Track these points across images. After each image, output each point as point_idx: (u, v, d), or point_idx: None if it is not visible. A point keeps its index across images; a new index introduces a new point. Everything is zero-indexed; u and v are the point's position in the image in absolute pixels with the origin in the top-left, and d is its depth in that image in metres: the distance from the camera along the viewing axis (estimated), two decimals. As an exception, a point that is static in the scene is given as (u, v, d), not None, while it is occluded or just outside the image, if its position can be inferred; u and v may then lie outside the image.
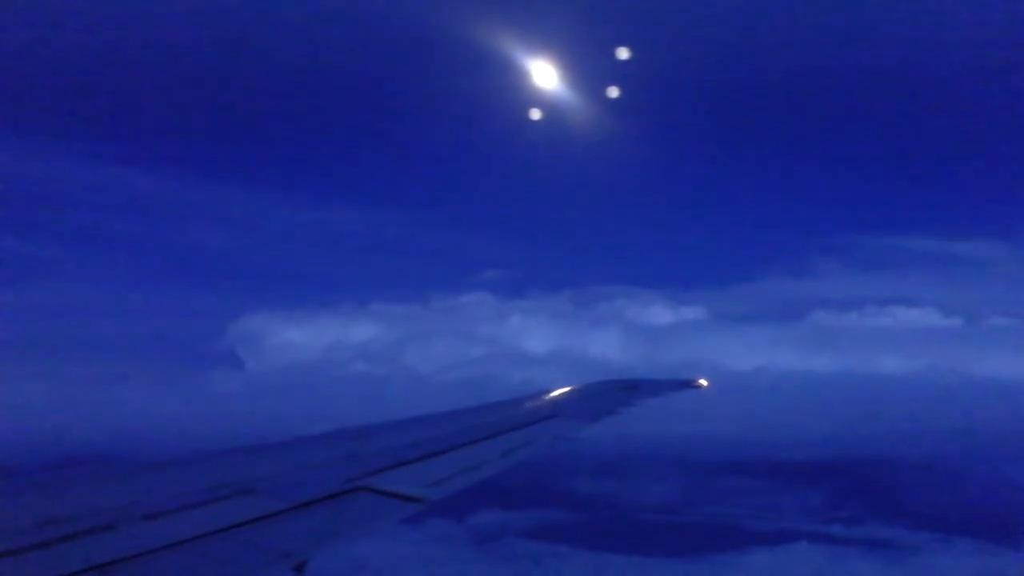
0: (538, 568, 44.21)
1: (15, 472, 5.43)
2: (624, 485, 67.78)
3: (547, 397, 10.22)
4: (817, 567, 45.43)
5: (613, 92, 24.33)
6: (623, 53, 23.33)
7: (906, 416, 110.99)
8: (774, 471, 73.05)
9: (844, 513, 57.73)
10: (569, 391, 10.67)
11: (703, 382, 11.91)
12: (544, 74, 23.94)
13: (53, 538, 4.09)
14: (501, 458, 6.81)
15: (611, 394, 10.58)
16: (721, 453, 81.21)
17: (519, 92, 24.60)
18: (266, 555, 4.39)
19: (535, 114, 24.08)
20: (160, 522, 4.53)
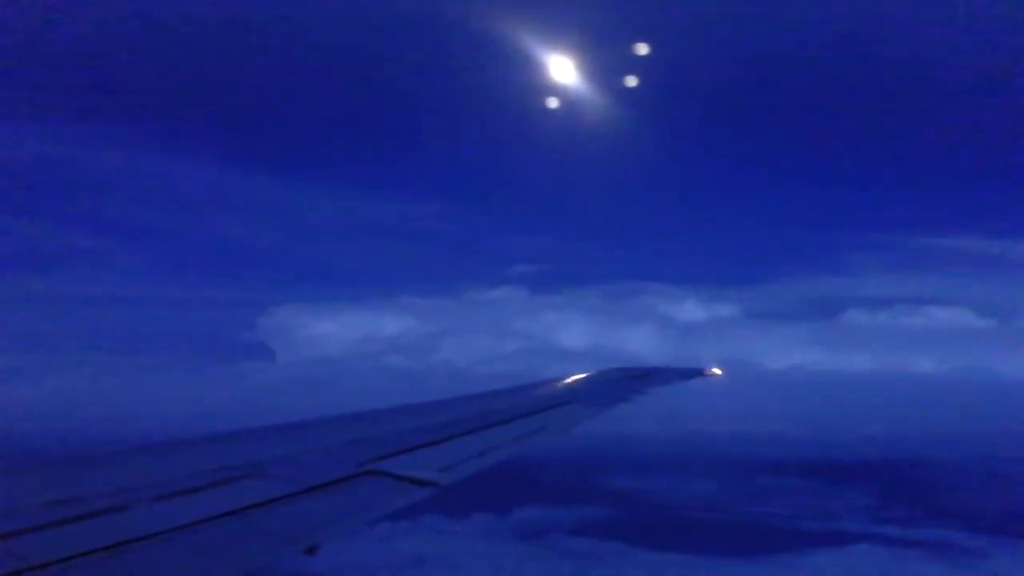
0: (601, 565, 44.10)
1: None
2: (668, 483, 67.55)
3: (559, 384, 10.22)
4: (884, 569, 44.88)
5: (631, 82, 24.35)
6: (642, 48, 23.39)
7: (941, 417, 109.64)
8: (816, 470, 72.46)
9: (895, 514, 57.01)
10: (581, 378, 10.65)
11: (715, 371, 11.90)
12: (573, 70, 24.02)
13: (64, 518, 4.13)
14: (514, 444, 6.84)
15: (623, 382, 10.55)
16: (761, 452, 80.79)
17: (549, 89, 24.66)
18: (276, 538, 4.41)
19: (553, 103, 24.16)
20: (171, 503, 4.57)
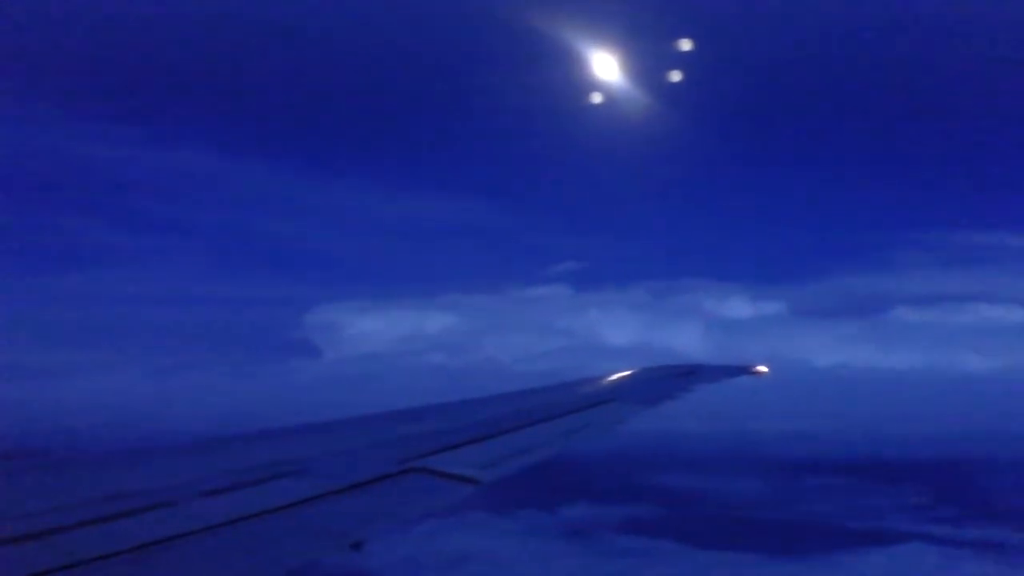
0: (649, 564, 43.92)
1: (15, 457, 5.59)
2: (715, 481, 67.10)
3: (604, 381, 10.18)
4: (936, 569, 44.32)
5: (674, 77, 24.31)
6: (684, 45, 23.36)
7: (990, 415, 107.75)
8: (865, 469, 71.62)
9: (945, 513, 56.14)
10: (626, 375, 10.58)
11: (762, 368, 11.73)
12: (615, 67, 24.00)
13: (114, 513, 4.19)
14: (556, 441, 6.82)
15: (668, 379, 10.47)
16: (809, 450, 79.96)
17: (592, 86, 24.67)
18: (321, 534, 4.45)
19: (595, 99, 24.16)
20: (216, 500, 4.63)
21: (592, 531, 49.30)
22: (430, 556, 40.69)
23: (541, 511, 51.11)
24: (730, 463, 72.79)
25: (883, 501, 61.53)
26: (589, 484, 54.37)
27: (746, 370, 11.65)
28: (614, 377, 10.45)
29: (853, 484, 67.17)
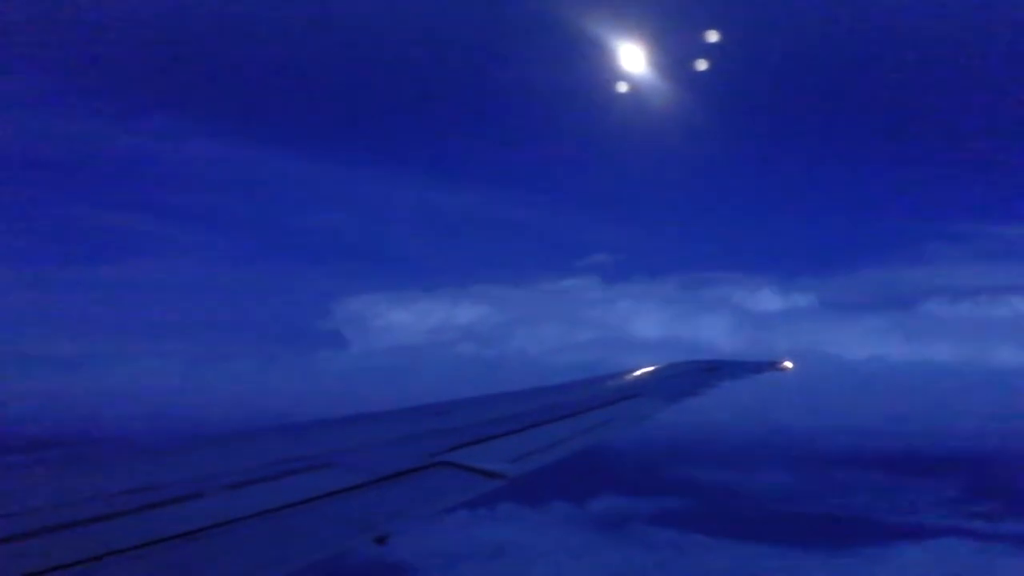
0: (682, 555, 43.91)
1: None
2: (747, 475, 66.81)
3: (628, 377, 10.18)
4: (970, 564, 44.04)
5: (702, 65, 24.24)
6: (713, 36, 23.28)
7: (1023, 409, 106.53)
8: (899, 463, 71.05)
9: (981, 508, 55.67)
10: (651, 371, 10.57)
11: (788, 364, 11.68)
12: (645, 59, 23.98)
13: (141, 505, 4.21)
14: (582, 436, 6.82)
15: (693, 375, 10.45)
16: (842, 444, 79.43)
17: (622, 77, 24.64)
18: (347, 527, 4.46)
19: (625, 91, 24.13)
20: (244, 492, 4.64)
21: (624, 523, 49.35)
22: (465, 548, 40.94)
23: (572, 504, 51.20)
24: (763, 457, 72.45)
25: (917, 495, 61.08)
26: (619, 478, 54.26)
27: (771, 366, 11.62)
28: (639, 372, 10.44)
29: (886, 478, 66.77)
